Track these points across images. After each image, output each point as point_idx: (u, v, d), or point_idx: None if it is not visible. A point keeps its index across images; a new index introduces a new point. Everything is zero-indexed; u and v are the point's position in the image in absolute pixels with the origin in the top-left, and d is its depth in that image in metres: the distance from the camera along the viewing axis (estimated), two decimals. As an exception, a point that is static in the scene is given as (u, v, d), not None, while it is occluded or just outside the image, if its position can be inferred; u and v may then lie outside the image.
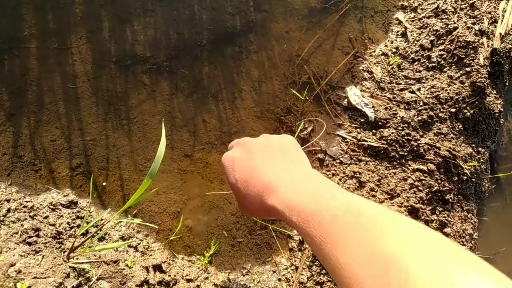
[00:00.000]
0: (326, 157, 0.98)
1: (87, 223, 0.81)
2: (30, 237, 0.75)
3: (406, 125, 0.96)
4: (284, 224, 0.94)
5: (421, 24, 1.07)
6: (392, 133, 0.96)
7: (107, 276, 0.75)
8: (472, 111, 0.97)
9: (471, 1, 1.04)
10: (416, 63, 1.03)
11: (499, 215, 1.06)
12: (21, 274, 0.67)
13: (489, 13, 1.03)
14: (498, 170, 1.08)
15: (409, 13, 1.10)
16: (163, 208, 0.90)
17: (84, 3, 0.94)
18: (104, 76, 0.93)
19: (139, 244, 0.85)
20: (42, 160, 0.87)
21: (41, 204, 0.82)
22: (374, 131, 0.99)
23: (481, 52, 0.98)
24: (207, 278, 0.85)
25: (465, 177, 0.97)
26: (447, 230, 0.94)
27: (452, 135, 0.97)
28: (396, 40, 1.08)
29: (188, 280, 0.83)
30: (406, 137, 0.95)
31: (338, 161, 0.98)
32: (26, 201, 0.81)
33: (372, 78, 1.04)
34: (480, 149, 1.01)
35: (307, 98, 1.00)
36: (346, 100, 1.02)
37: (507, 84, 1.06)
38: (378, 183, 0.94)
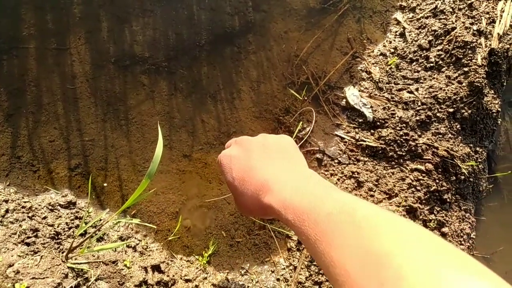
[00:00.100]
0: (324, 157, 0.98)
1: (86, 223, 0.81)
2: (28, 237, 0.75)
3: (404, 125, 0.96)
4: (282, 224, 0.94)
5: (420, 24, 1.07)
6: (390, 133, 0.96)
7: (105, 277, 0.75)
8: (470, 111, 0.98)
9: (469, 2, 1.04)
10: (414, 63, 1.04)
11: (497, 214, 1.06)
12: (19, 275, 0.67)
13: (487, 13, 1.03)
14: (496, 169, 1.08)
15: (408, 13, 1.10)
16: (162, 208, 0.90)
17: (83, 3, 0.94)
18: (103, 76, 0.93)
19: (137, 244, 0.85)
20: (40, 160, 0.87)
21: (39, 205, 0.82)
22: (372, 131, 0.99)
23: (479, 52, 0.98)
24: (205, 278, 0.85)
25: (463, 177, 0.97)
26: (445, 229, 0.94)
27: (450, 135, 0.97)
28: (394, 40, 1.08)
29: (187, 280, 0.83)
30: (404, 137, 0.96)
31: (336, 161, 0.98)
32: (25, 202, 0.81)
33: (371, 78, 1.04)
34: (478, 149, 1.02)
35: (306, 98, 1.00)
36: (344, 100, 1.02)
37: (504, 84, 1.07)
38: (376, 183, 0.94)
